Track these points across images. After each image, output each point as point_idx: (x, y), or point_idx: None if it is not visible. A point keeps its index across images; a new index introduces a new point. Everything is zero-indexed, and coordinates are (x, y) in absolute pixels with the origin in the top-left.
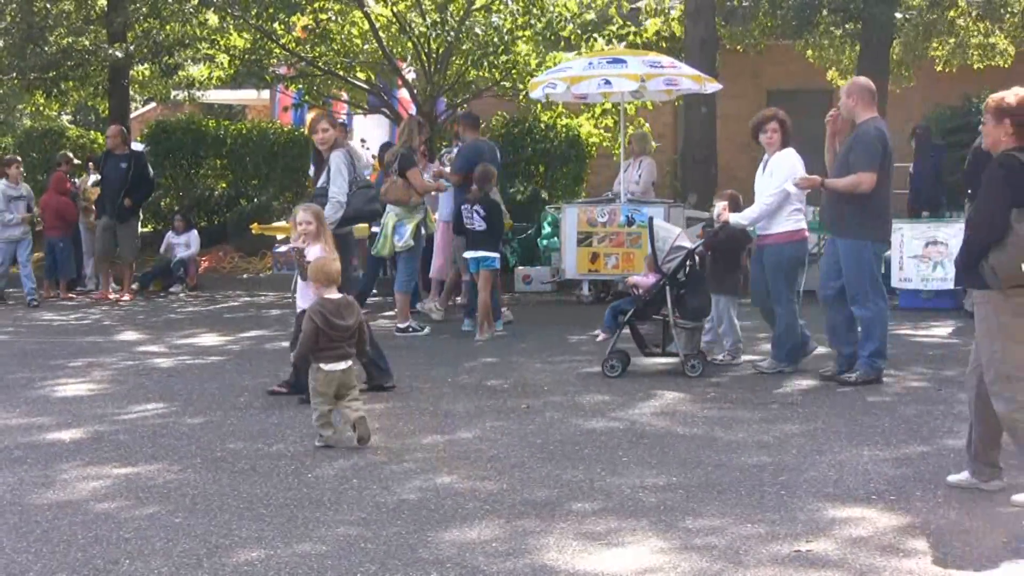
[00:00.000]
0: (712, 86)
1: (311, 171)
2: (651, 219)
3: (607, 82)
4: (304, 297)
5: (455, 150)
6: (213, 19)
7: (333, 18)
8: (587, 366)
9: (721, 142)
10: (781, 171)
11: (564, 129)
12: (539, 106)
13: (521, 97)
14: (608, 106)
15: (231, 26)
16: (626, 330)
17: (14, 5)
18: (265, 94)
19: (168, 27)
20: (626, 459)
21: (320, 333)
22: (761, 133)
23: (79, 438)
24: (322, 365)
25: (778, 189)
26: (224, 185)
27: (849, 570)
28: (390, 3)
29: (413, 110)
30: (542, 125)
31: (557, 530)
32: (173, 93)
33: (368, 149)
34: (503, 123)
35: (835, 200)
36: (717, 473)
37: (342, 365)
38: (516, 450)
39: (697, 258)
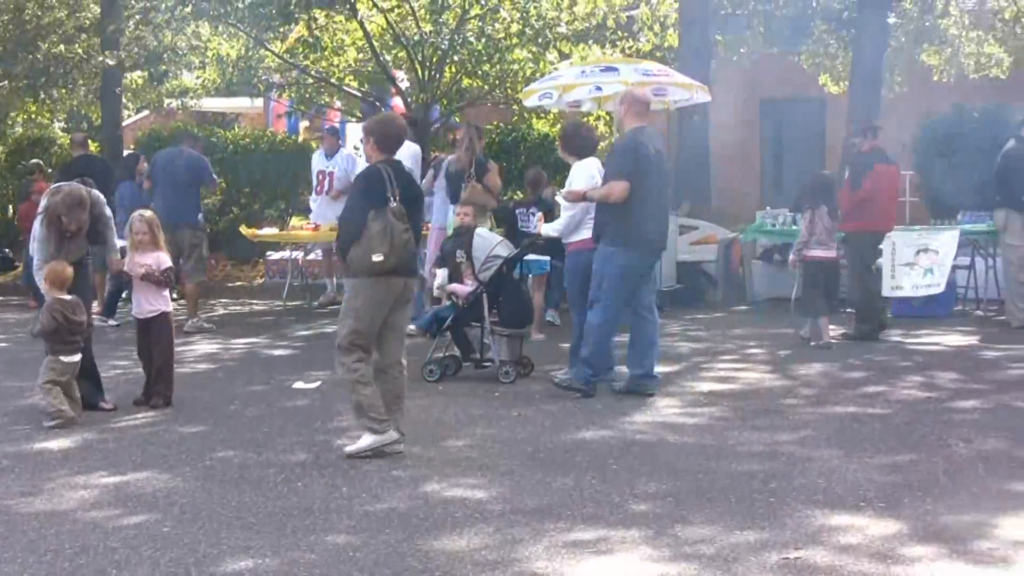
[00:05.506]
0: (702, 95)
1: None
2: (474, 228)
3: (598, 88)
4: (136, 303)
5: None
6: (206, 29)
7: (326, 27)
8: None
9: (714, 150)
10: (579, 180)
11: (556, 137)
12: (532, 115)
13: (514, 105)
14: (603, 114)
15: (220, 36)
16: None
17: (6, 17)
18: (259, 102)
19: (162, 35)
20: (616, 467)
21: (61, 328)
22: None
23: (67, 447)
24: (61, 357)
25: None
26: (217, 193)
27: None
28: (384, 12)
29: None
30: (535, 133)
31: (547, 538)
32: (166, 101)
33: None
34: (497, 131)
35: (598, 209)
36: (707, 481)
37: (76, 357)
38: (506, 458)
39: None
